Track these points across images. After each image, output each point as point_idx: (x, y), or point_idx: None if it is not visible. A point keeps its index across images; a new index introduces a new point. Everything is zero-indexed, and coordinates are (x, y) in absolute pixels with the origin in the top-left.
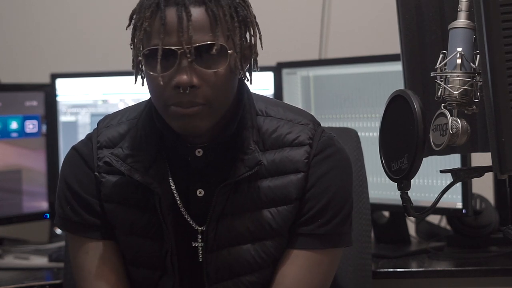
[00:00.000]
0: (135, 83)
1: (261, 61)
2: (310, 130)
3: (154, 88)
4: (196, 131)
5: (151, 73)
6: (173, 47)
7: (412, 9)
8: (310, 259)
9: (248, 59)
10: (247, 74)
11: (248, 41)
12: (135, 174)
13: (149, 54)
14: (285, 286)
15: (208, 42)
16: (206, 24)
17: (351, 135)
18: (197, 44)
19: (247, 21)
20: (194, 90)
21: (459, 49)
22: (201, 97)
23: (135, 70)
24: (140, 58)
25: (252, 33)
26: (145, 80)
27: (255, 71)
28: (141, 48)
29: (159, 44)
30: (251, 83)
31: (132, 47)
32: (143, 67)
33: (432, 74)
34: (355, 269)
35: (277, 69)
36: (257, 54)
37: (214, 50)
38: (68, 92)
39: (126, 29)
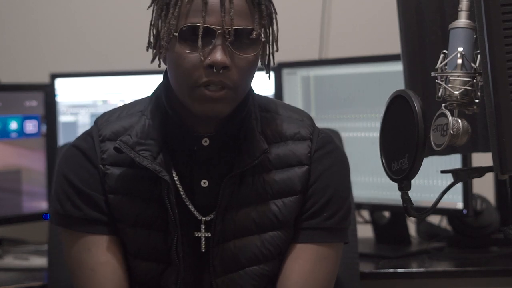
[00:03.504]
0: (152, 62)
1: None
2: (309, 126)
3: (184, 67)
4: (217, 115)
5: (187, 51)
6: (212, 26)
7: (412, 9)
8: (317, 252)
9: (265, 53)
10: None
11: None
12: (144, 162)
13: (186, 31)
14: (292, 280)
15: (248, 27)
16: (245, 9)
17: (334, 137)
18: (237, 27)
19: (272, 17)
20: (226, 72)
21: (460, 49)
22: (230, 80)
23: (164, 47)
24: (174, 35)
25: (274, 29)
26: (160, 62)
27: (272, 66)
28: (175, 26)
29: (199, 22)
30: (269, 78)
31: (153, 26)
32: (175, 46)
33: (432, 74)
34: (345, 269)
35: (277, 69)
36: (277, 49)
37: (254, 35)
38: (68, 92)
39: (147, 9)
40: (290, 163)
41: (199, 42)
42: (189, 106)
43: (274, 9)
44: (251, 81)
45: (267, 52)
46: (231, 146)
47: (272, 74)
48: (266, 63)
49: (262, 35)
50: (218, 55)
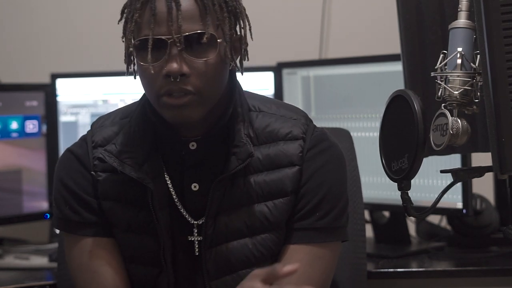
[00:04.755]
0: (127, 74)
1: (261, 61)
2: (302, 125)
3: (146, 78)
4: (187, 120)
5: (142, 63)
6: (163, 37)
7: (412, 9)
8: (310, 253)
9: (238, 50)
10: (239, 65)
11: (238, 33)
12: (127, 170)
13: (140, 45)
14: (285, 281)
15: (198, 31)
16: (195, 13)
17: (344, 136)
18: (187, 33)
19: (236, 12)
20: (184, 79)
21: (460, 49)
22: (191, 86)
23: (127, 62)
24: (131, 49)
25: (242, 25)
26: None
27: (246, 61)
28: (132, 40)
29: (149, 34)
30: (242, 74)
31: (123, 40)
32: (135, 59)
33: (432, 74)
34: (351, 268)
35: (277, 69)
36: (247, 45)
37: (204, 39)
38: (68, 92)
39: (118, 23)
40: (281, 164)
41: (149, 56)
42: (161, 114)
43: (237, 6)
44: (220, 82)
45: (229, 52)
46: (220, 149)
47: (271, 74)
48: (235, 60)
49: (217, 36)
50: (172, 65)
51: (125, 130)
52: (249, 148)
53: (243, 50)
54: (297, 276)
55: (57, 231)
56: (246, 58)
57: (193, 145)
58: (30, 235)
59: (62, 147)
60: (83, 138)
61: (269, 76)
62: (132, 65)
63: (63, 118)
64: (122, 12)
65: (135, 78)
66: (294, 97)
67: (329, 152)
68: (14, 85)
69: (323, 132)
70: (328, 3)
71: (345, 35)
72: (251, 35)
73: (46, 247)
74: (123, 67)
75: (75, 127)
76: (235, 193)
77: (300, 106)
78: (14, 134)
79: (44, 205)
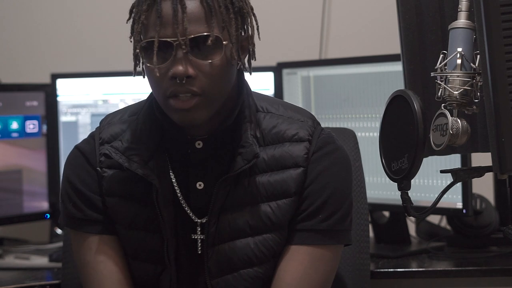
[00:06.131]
0: (134, 75)
1: (261, 61)
2: (309, 127)
3: (153, 79)
4: (194, 122)
5: (148, 65)
6: (168, 39)
7: (412, 9)
8: (311, 254)
9: (246, 50)
10: (246, 64)
11: (246, 33)
12: (133, 166)
13: (147, 46)
14: (286, 282)
15: (203, 34)
16: (201, 15)
17: (349, 136)
18: (192, 36)
19: (243, 12)
20: (191, 81)
21: (459, 49)
22: (197, 87)
23: (134, 62)
24: (138, 50)
25: (249, 24)
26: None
27: (253, 60)
28: (139, 41)
29: (155, 36)
30: (250, 74)
31: (131, 40)
32: (142, 60)
33: (432, 74)
34: (353, 269)
35: (277, 69)
36: (254, 45)
37: (209, 41)
38: (69, 92)
39: (127, 23)
40: (286, 165)
41: (154, 58)
42: (168, 115)
43: (244, 6)
44: (226, 83)
45: (236, 53)
46: (226, 148)
47: (271, 74)
48: (242, 60)
49: (223, 38)
50: (178, 67)
51: (132, 128)
52: (255, 148)
53: (250, 49)
54: (297, 277)
55: (59, 231)
56: (254, 58)
57: (199, 144)
58: (30, 235)
59: (62, 147)
60: (91, 135)
61: (269, 76)
62: (140, 64)
63: (63, 118)
64: (130, 12)
65: (144, 77)
66: (294, 97)
67: (334, 155)
68: (14, 85)
69: (329, 135)
70: (328, 3)
71: (345, 35)
72: (258, 34)
73: (46, 247)
74: (123, 67)
75: (75, 127)
76: (239, 192)
77: (300, 106)
78: (15, 134)
79: (44, 205)
